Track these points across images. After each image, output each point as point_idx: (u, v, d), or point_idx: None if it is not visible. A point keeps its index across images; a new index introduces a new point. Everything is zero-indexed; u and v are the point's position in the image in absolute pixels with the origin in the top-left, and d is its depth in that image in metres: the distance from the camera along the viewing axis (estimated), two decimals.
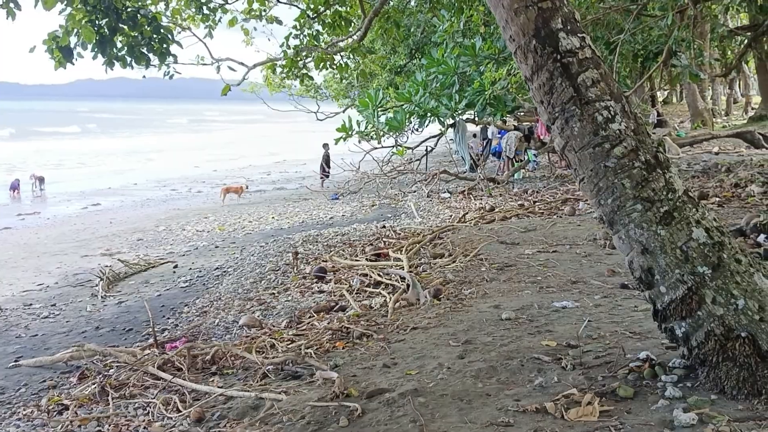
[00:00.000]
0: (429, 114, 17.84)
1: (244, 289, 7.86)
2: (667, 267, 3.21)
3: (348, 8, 10.47)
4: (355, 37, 10.27)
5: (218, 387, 4.31)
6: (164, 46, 7.23)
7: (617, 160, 3.26)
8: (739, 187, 10.84)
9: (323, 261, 8.69)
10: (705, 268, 3.13)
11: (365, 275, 7.49)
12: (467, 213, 11.46)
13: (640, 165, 3.25)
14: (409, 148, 18.22)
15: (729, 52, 11.68)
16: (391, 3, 15.40)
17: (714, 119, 26.99)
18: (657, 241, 3.21)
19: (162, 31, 7.17)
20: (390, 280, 7.12)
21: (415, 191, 16.74)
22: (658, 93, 35.05)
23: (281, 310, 6.65)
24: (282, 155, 35.46)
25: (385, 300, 6.25)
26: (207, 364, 4.99)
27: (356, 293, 6.90)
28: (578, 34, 3.33)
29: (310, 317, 6.10)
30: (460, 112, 18.22)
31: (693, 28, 10.07)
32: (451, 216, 11.85)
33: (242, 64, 10.80)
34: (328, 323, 5.57)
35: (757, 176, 11.53)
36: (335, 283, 7.51)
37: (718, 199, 9.99)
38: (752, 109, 29.18)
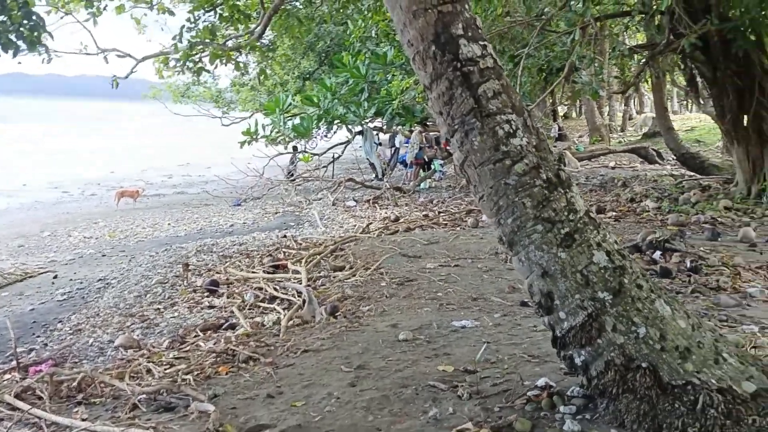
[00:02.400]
0: (337, 120, 17.59)
1: (126, 303, 7.25)
2: (567, 292, 3.03)
3: (246, 1, 9.95)
4: (256, 32, 9.79)
5: (82, 419, 3.81)
6: (35, 34, 6.54)
7: (518, 178, 3.05)
8: (634, 201, 11.16)
9: (217, 273, 8.19)
10: (606, 294, 2.97)
11: (260, 289, 7.08)
12: (371, 223, 11.22)
13: (541, 183, 3.06)
14: (315, 154, 17.88)
15: (627, 70, 12.11)
16: (298, 6, 15.01)
17: (611, 135, 28.15)
18: (557, 264, 3.03)
19: (34, 18, 6.48)
20: (286, 294, 6.74)
21: (320, 199, 16.37)
22: (559, 108, 36.29)
23: (165, 328, 6.13)
24: (187, 158, 34.16)
25: (279, 317, 5.87)
26: (73, 391, 4.44)
27: (249, 309, 6.47)
28: (479, 42, 3.11)
29: (195, 336, 5.63)
30: (368, 119, 18.06)
31: (594, 45, 10.28)
32: (355, 226, 11.57)
33: (129, 55, 10.06)
34: (214, 344, 5.13)
35: (651, 191, 11.93)
36: (228, 298, 7.05)
37: (614, 213, 10.22)
38: (645, 126, 30.68)
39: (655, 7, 10.63)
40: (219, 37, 10.16)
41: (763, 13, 9.15)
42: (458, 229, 9.80)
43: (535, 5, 11.21)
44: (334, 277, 7.21)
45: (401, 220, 11.38)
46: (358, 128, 18.42)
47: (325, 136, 19.62)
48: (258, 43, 10.96)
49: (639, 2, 10.61)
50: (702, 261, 6.17)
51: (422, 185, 16.90)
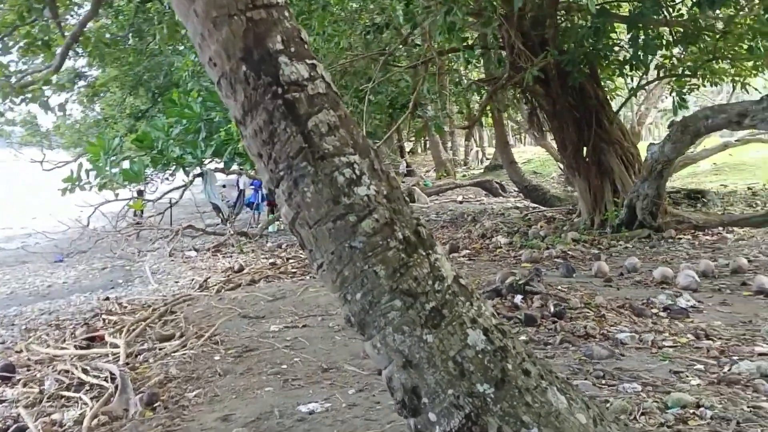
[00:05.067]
0: (173, 163, 16.20)
1: None
2: (437, 386, 2.29)
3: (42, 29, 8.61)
4: (53, 65, 8.46)
5: None
6: None
7: (367, 239, 2.30)
8: (486, 237, 10.94)
9: (16, 352, 6.71)
10: (486, 386, 2.27)
11: (67, 372, 5.77)
12: (209, 277, 10.08)
13: (397, 245, 2.32)
14: (148, 200, 16.33)
15: (469, 105, 12.10)
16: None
17: (455, 169, 28.81)
18: (423, 350, 2.29)
19: None
20: (99, 377, 5.51)
21: (157, 249, 14.84)
22: (406, 144, 36.89)
23: None
24: (10, 208, 30.39)
25: (83, 412, 4.67)
26: None
27: (49, 401, 5.17)
28: (306, 61, 2.34)
29: None
30: (207, 161, 16.84)
31: (438, 80, 10.02)
32: (193, 280, 10.36)
33: None
34: None
35: (501, 226, 11.82)
36: (24, 386, 5.66)
37: (468, 251, 9.88)
38: (486, 159, 31.82)
39: (491, 41, 10.63)
40: (13, 72, 8.69)
41: (596, 43, 9.30)
42: (308, 278, 8.96)
43: (375, 41, 10.84)
44: (160, 350, 6.07)
45: (245, 271, 10.34)
46: (198, 170, 17.12)
47: (167, 179, 18.11)
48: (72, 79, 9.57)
49: (479, 36, 10.53)
50: (564, 303, 5.79)
51: (270, 228, 15.89)
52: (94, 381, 5.41)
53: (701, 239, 9.44)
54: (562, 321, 5.36)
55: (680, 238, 9.56)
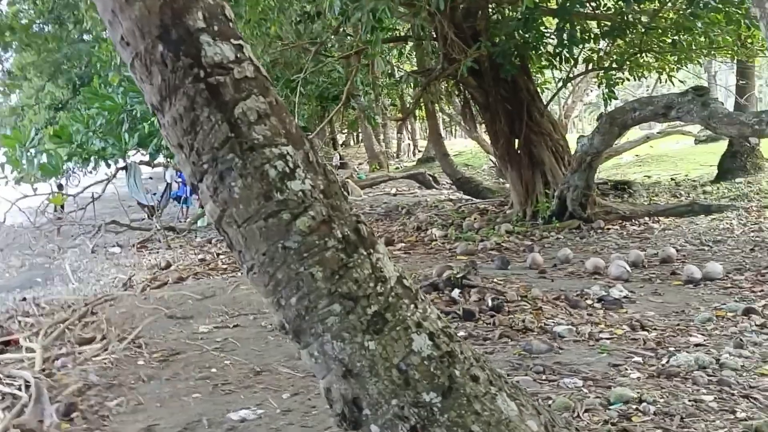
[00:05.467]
0: (94, 156, 15.47)
1: None
2: (380, 396, 2.13)
3: None
4: None
5: None
6: None
7: (302, 238, 2.10)
8: (421, 230, 10.86)
9: None
10: (433, 395, 2.12)
11: None
12: (134, 275, 9.60)
13: (335, 244, 2.13)
14: (69, 195, 15.52)
15: (401, 98, 11.97)
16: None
17: (389, 161, 28.74)
18: (365, 357, 2.12)
19: None
20: (12, 385, 5.09)
21: (78, 246, 14.10)
22: (339, 136, 36.60)
23: None
24: None
25: None
26: None
27: None
28: (232, 41, 2.12)
29: None
30: (131, 153, 16.16)
31: (371, 71, 9.85)
32: (116, 278, 9.85)
33: None
34: None
35: (435, 218, 11.78)
36: None
37: (403, 244, 9.77)
38: (419, 151, 31.89)
39: (424, 32, 10.53)
40: None
41: (526, 35, 9.32)
42: (239, 275, 8.63)
43: (306, 30, 10.55)
44: (79, 354, 5.66)
45: (173, 268, 9.90)
46: (122, 163, 16.40)
47: (91, 172, 17.30)
48: None
49: (412, 27, 10.40)
50: (502, 297, 5.73)
51: (199, 222, 15.35)
52: (7, 390, 4.99)
53: (629, 229, 9.63)
54: (500, 315, 5.29)
55: (609, 229, 9.73)
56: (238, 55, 2.10)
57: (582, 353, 4.38)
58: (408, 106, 11.75)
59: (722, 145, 13.18)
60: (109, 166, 15.25)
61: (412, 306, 2.21)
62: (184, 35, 2.04)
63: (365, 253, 2.18)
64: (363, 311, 2.12)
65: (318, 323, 2.13)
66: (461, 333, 4.90)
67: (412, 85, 11.06)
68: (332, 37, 9.99)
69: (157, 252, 12.36)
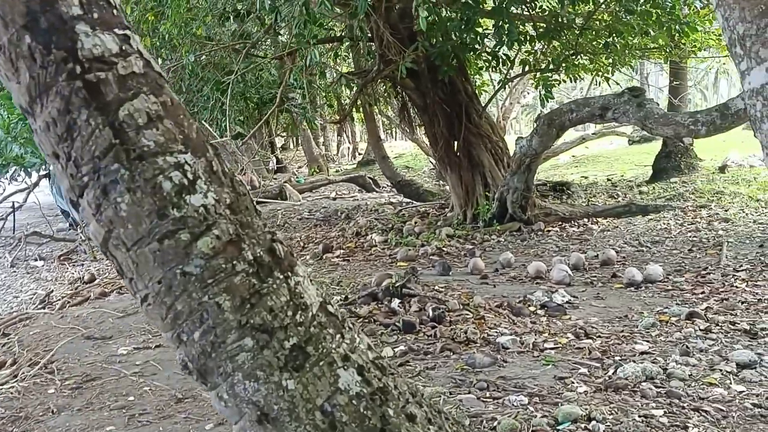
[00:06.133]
0: (13, 164, 14.59)
1: None
2: None
3: None
4: None
5: None
6: None
7: (205, 262, 1.78)
8: (360, 235, 10.58)
9: None
10: None
11: None
12: (53, 290, 8.99)
13: (246, 268, 1.82)
14: None
15: (339, 99, 11.68)
16: None
17: (328, 164, 28.37)
18: (283, 399, 1.82)
19: None
20: None
21: None
22: (278, 139, 35.93)
23: None
24: None
25: None
26: None
27: None
28: (116, 30, 1.78)
29: None
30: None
31: (305, 72, 9.50)
32: (35, 294, 9.21)
33: None
34: None
35: (375, 223, 11.51)
36: None
37: (342, 251, 9.47)
38: (359, 154, 31.63)
39: (361, 32, 10.27)
40: None
41: (464, 36, 9.16)
42: None
43: (237, 30, 10.12)
44: None
45: (96, 281, 9.32)
46: (44, 171, 15.52)
47: (14, 180, 16.33)
48: None
49: (347, 28, 10.12)
50: (443, 306, 5.50)
51: None
52: None
53: (569, 231, 9.60)
54: (441, 326, 5.06)
55: (549, 231, 9.68)
56: (124, 48, 1.76)
57: (527, 366, 4.19)
58: (344, 108, 11.44)
59: (656, 146, 13.40)
60: (29, 174, 14.39)
61: (338, 336, 1.92)
62: (56, 24, 1.70)
63: (282, 276, 1.89)
64: (280, 345, 1.82)
65: (227, 361, 1.82)
66: (401, 347, 4.65)
67: (347, 87, 10.76)
68: (264, 36, 9.60)
69: (82, 264, 11.69)
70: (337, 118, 12.32)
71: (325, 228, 12.30)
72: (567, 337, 4.71)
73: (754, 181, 10.71)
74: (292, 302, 1.87)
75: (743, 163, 12.45)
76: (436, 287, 6.39)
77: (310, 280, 1.98)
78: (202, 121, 9.90)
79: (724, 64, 16.76)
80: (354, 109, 12.16)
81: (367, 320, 5.41)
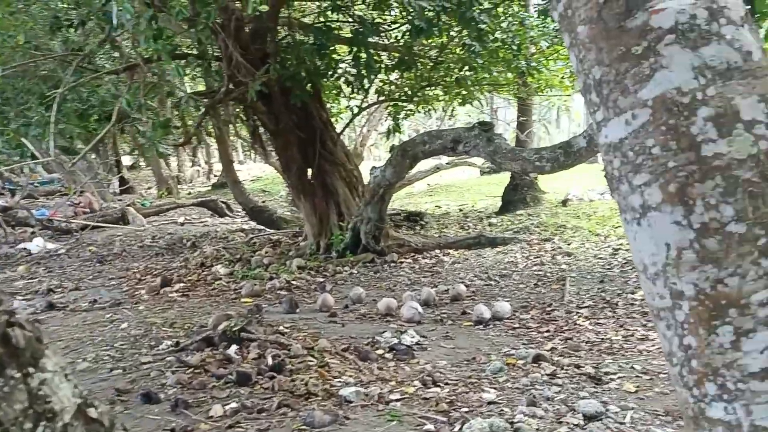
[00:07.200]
0: None
1: None
2: None
3: None
4: None
5: None
6: None
7: None
8: (205, 266, 9.85)
9: None
10: None
11: None
12: None
13: None
14: None
15: (184, 119, 10.96)
16: None
17: (180, 186, 27.01)
18: None
19: None
20: None
21: None
22: (126, 158, 33.78)
23: None
24: None
25: None
26: None
27: None
28: None
29: None
30: None
31: (145, 89, 8.76)
32: None
33: None
34: None
35: (223, 252, 10.83)
36: None
37: (183, 284, 8.73)
38: (215, 176, 30.42)
39: (211, 51, 9.70)
40: None
41: (318, 62, 8.88)
42: None
43: (68, 41, 9.16)
44: None
45: None
46: None
47: None
48: None
49: (194, 43, 9.49)
50: (285, 351, 5.06)
51: None
52: None
53: (421, 262, 9.52)
54: (281, 376, 4.60)
55: (402, 262, 9.56)
56: None
57: (370, 422, 3.84)
58: (189, 130, 10.71)
59: (505, 177, 13.82)
60: None
61: None
62: None
63: (19, 375, 1.38)
64: None
65: None
66: (233, 404, 4.14)
67: (194, 108, 10.08)
68: (99, 48, 8.75)
69: None
70: (183, 140, 11.51)
71: (167, 257, 11.43)
72: (414, 386, 4.44)
73: (594, 215, 11.26)
74: (33, 410, 1.37)
75: (583, 197, 13.13)
76: (282, 327, 5.93)
77: (66, 375, 1.49)
78: (22, 138, 8.81)
79: (565, 101, 17.80)
80: (201, 131, 11.45)
81: (198, 371, 4.84)
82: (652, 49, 1.39)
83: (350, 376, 4.65)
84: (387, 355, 5.22)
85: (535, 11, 10.29)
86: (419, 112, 12.42)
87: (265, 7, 8.82)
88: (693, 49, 1.38)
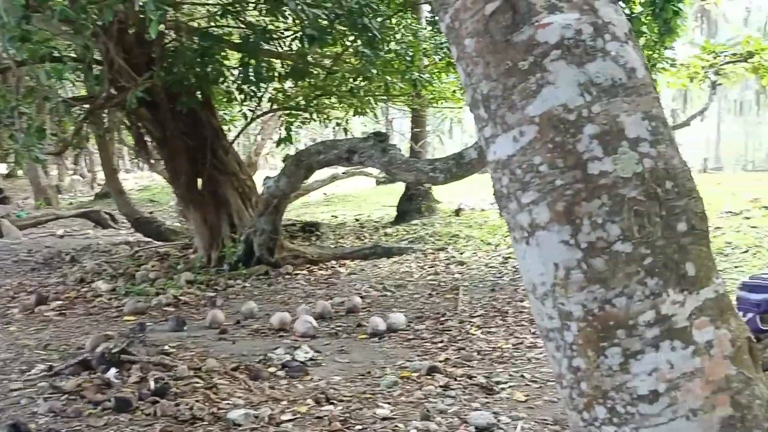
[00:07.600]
0: None
1: None
2: None
3: None
4: None
5: None
6: None
7: None
8: (85, 282, 9.24)
9: None
10: None
11: None
12: None
13: None
14: None
15: (60, 125, 10.25)
16: None
17: (60, 196, 25.44)
18: None
19: None
20: None
21: None
22: (1, 165, 31.42)
23: None
24: None
25: None
26: None
27: None
28: None
29: None
30: None
31: (18, 93, 8.12)
32: None
33: None
34: None
35: (105, 266, 10.23)
36: None
37: (60, 302, 8.12)
38: (98, 185, 28.88)
39: (91, 55, 9.13)
40: None
41: (207, 69, 8.57)
42: None
43: None
44: None
45: None
46: None
47: None
48: None
49: (73, 45, 8.91)
50: (169, 374, 4.77)
51: None
52: None
53: (317, 274, 9.38)
54: (164, 400, 4.32)
55: (297, 274, 9.38)
56: None
57: None
58: (67, 138, 10.05)
59: (401, 187, 13.93)
60: None
61: None
62: None
63: None
64: None
65: None
66: None
67: (68, 114, 9.45)
68: None
69: None
70: (60, 148, 10.79)
71: (44, 273, 10.64)
72: (307, 404, 4.29)
73: (485, 224, 11.54)
74: None
75: (475, 207, 13.45)
76: (167, 347, 5.60)
77: None
78: None
79: (458, 114, 18.22)
80: (80, 138, 10.76)
81: (73, 397, 4.46)
82: (539, 65, 1.35)
83: (239, 397, 4.44)
84: (279, 373, 5.04)
85: (427, 23, 10.42)
86: (315, 121, 12.28)
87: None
88: (578, 65, 1.35)
